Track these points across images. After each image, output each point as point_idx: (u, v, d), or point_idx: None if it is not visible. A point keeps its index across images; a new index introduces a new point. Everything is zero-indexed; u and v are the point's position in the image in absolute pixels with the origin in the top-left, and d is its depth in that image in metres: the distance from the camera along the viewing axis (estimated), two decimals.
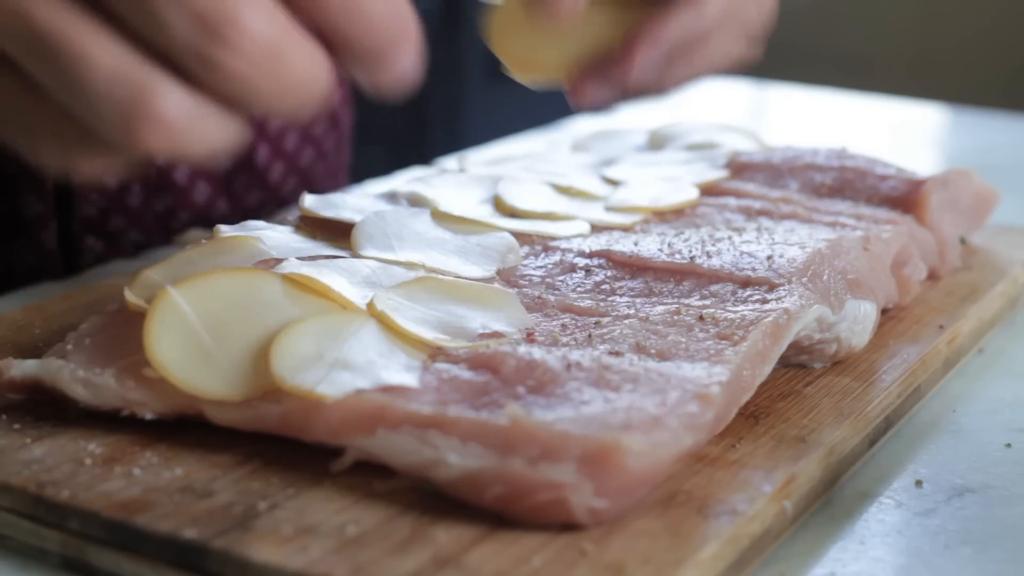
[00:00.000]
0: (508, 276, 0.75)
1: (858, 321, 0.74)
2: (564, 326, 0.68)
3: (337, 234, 0.78)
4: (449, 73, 2.87)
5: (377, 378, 0.61)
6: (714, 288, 0.73)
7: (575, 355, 0.63)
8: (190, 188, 1.02)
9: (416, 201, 0.84)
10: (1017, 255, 0.93)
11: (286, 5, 0.52)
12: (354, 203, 0.82)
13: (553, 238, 0.80)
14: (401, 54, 0.54)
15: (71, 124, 0.51)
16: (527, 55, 0.80)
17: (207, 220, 1.02)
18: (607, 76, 0.79)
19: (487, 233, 0.78)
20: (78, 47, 0.50)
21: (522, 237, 0.79)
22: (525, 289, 0.73)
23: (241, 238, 0.73)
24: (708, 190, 0.90)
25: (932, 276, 0.87)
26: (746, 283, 0.72)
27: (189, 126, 0.51)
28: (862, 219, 0.84)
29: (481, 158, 1.03)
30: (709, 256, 0.75)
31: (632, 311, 0.69)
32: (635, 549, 0.54)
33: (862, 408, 0.69)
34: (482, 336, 0.66)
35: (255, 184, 1.07)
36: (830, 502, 0.64)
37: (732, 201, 0.87)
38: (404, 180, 0.93)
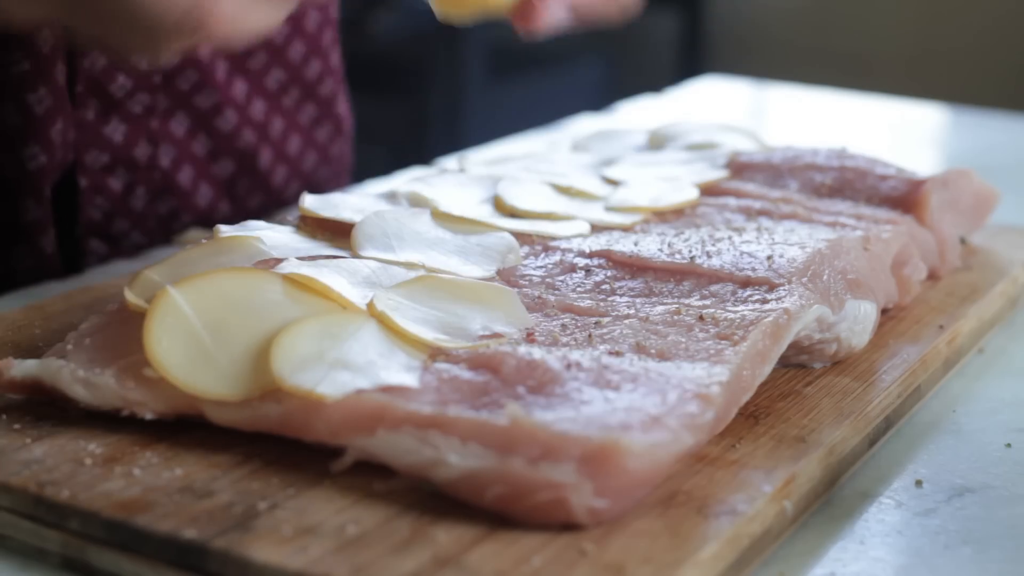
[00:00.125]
0: (508, 276, 0.75)
1: (858, 321, 0.74)
2: (564, 326, 0.68)
3: (337, 234, 0.78)
4: (449, 73, 2.87)
5: (377, 378, 0.61)
6: (714, 288, 0.73)
7: (575, 355, 0.63)
8: (193, 191, 1.02)
9: (416, 201, 0.84)
10: (1017, 255, 0.93)
11: None
12: (354, 203, 0.82)
13: (553, 238, 0.80)
14: None
15: (144, 20, 0.65)
16: None
17: (209, 223, 1.02)
18: None
19: (487, 233, 0.78)
20: None
21: (522, 237, 0.79)
22: (525, 289, 0.73)
23: (241, 238, 0.73)
24: (708, 190, 0.90)
25: (932, 276, 0.87)
26: (746, 283, 0.72)
27: (243, 15, 0.65)
28: (862, 219, 0.84)
29: (481, 158, 1.03)
30: (709, 256, 0.75)
31: (632, 311, 0.69)
32: (635, 549, 0.54)
33: (862, 408, 0.69)
34: (482, 336, 0.66)
35: (258, 187, 1.07)
36: (830, 502, 0.64)
37: (732, 201, 0.87)
38: (404, 180, 0.93)
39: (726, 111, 1.59)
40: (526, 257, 0.77)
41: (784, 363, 0.72)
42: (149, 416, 0.63)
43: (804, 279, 0.72)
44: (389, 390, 0.60)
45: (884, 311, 0.80)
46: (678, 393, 0.60)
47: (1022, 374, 0.80)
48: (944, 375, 0.79)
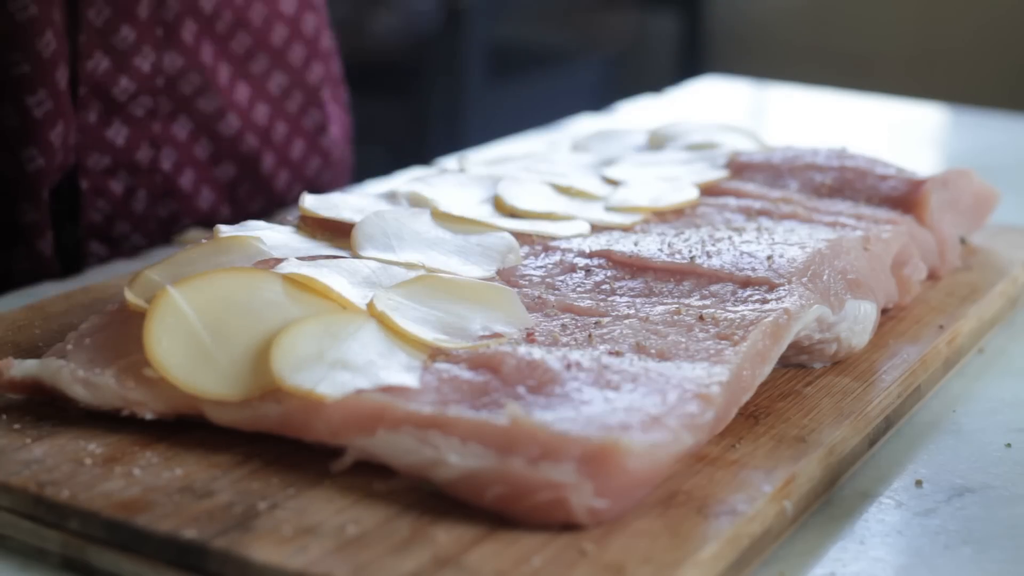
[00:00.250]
0: (508, 276, 0.75)
1: (858, 321, 0.74)
2: (564, 326, 0.68)
3: (337, 234, 0.78)
4: (449, 73, 2.87)
5: (377, 378, 0.61)
6: (714, 288, 0.73)
7: (575, 355, 0.63)
8: (194, 195, 1.02)
9: (416, 201, 0.84)
10: (1017, 255, 0.93)
11: None
12: (354, 203, 0.82)
13: (553, 238, 0.80)
14: None
15: None
16: None
17: (210, 227, 1.02)
18: None
19: (487, 233, 0.78)
20: None
21: (522, 237, 0.79)
22: (525, 289, 0.73)
23: (241, 238, 0.73)
24: (708, 190, 0.90)
25: (932, 276, 0.87)
26: (746, 283, 0.72)
27: None
28: (862, 219, 0.84)
29: (481, 158, 1.03)
30: (709, 256, 0.75)
31: (632, 311, 0.69)
32: (635, 549, 0.54)
33: (862, 408, 0.69)
34: (482, 336, 0.66)
35: (260, 191, 1.07)
36: (830, 502, 0.64)
37: (732, 201, 0.87)
38: (404, 180, 0.93)
39: (726, 111, 1.59)
40: (526, 257, 0.77)
41: (784, 363, 0.72)
42: (149, 416, 0.63)
43: (804, 279, 0.72)
44: (389, 390, 0.60)
45: (884, 311, 0.80)
46: (678, 393, 0.60)
47: (1022, 374, 0.80)
48: (944, 375, 0.79)
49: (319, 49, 1.10)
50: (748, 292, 0.71)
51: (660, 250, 0.77)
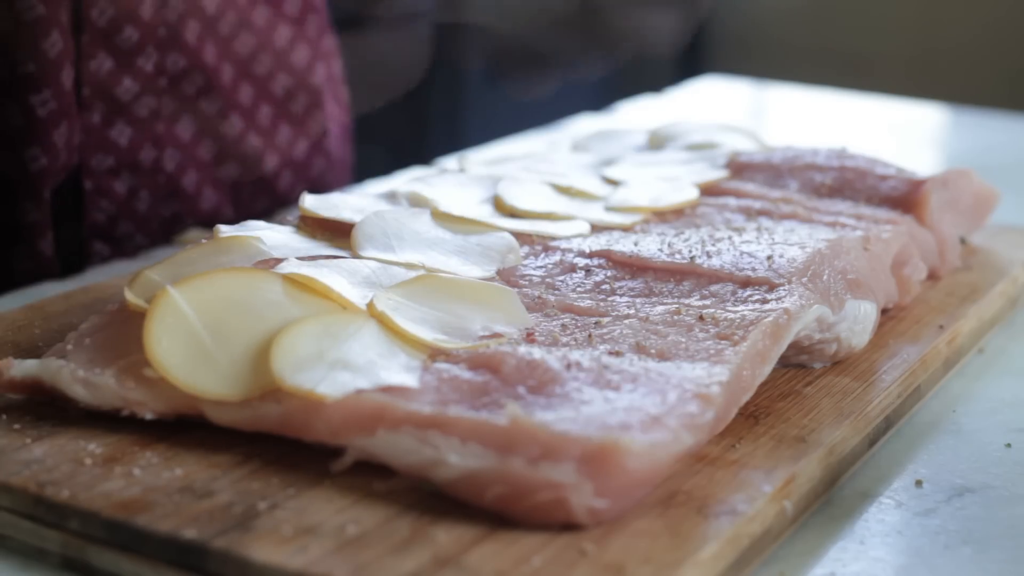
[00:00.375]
0: (508, 276, 0.75)
1: (858, 321, 0.74)
2: (564, 326, 0.68)
3: (337, 234, 0.78)
4: (449, 73, 2.87)
5: (377, 378, 0.61)
6: (714, 288, 0.73)
7: (575, 355, 0.63)
8: (197, 195, 1.02)
9: (416, 201, 0.84)
10: (1017, 255, 0.93)
11: None
12: (354, 203, 0.82)
13: (553, 238, 0.80)
14: None
15: None
16: None
17: (213, 227, 1.02)
18: None
19: (487, 233, 0.78)
20: None
21: (522, 237, 0.79)
22: (525, 289, 0.73)
23: (241, 238, 0.73)
24: (708, 190, 0.90)
25: (932, 276, 0.87)
26: (746, 283, 0.72)
27: None
28: (862, 219, 0.84)
29: (481, 158, 1.03)
30: (709, 256, 0.75)
31: (632, 311, 0.69)
32: (635, 549, 0.54)
33: (862, 408, 0.69)
34: (482, 336, 0.66)
35: (263, 192, 1.07)
36: (830, 502, 0.64)
37: (732, 201, 0.87)
38: (404, 180, 0.93)
39: (726, 111, 1.59)
40: (526, 257, 0.77)
41: (784, 363, 0.72)
42: (149, 416, 0.63)
43: (804, 279, 0.72)
44: (389, 390, 0.60)
45: (884, 311, 0.80)
46: (678, 393, 0.60)
47: (1022, 374, 0.80)
48: (944, 375, 0.79)
49: (321, 50, 1.10)
50: (748, 292, 0.71)
51: (660, 250, 0.77)
